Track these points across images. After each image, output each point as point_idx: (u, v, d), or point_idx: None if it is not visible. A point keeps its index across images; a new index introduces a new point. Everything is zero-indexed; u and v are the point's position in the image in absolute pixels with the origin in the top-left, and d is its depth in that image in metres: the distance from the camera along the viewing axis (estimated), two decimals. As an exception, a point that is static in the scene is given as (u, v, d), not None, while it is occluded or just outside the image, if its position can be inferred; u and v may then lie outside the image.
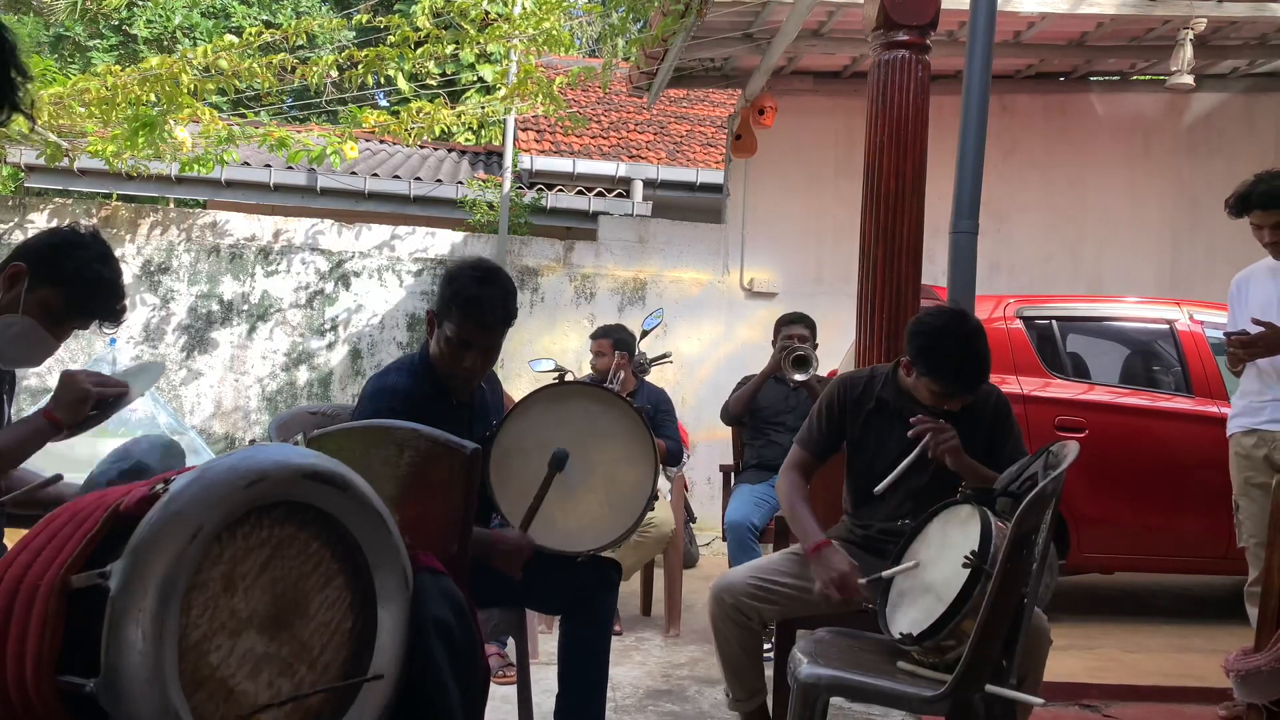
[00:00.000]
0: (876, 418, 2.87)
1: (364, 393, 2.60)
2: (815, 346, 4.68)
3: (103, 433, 5.63)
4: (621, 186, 8.93)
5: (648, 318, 5.23)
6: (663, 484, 4.59)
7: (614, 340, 4.77)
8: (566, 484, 2.63)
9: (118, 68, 6.81)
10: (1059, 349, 4.90)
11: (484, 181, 8.55)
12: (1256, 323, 3.32)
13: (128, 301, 2.30)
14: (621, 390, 4.43)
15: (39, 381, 6.81)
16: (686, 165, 9.27)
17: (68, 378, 2.09)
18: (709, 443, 6.80)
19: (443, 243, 7.68)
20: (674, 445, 4.64)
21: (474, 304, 2.49)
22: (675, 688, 3.72)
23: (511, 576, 2.49)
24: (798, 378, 4.42)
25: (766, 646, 2.95)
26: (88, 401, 2.08)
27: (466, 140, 10.86)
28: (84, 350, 6.79)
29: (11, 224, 7.27)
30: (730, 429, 5.01)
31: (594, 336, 4.94)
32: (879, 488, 2.68)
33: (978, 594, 2.15)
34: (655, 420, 4.68)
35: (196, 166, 6.97)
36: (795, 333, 4.55)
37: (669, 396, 4.99)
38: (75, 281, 2.13)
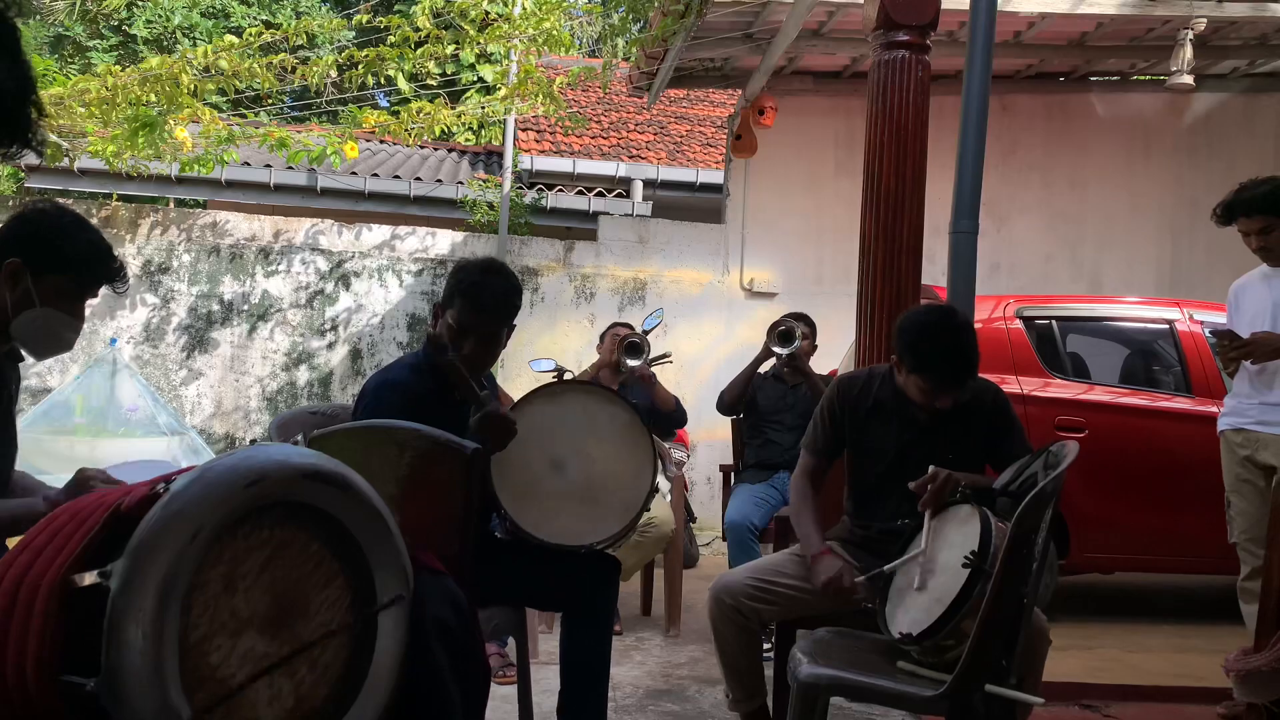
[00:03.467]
0: (875, 418, 2.87)
1: (365, 388, 2.61)
2: (815, 347, 4.71)
3: (102, 432, 5.64)
4: (621, 186, 8.93)
5: (648, 318, 5.24)
6: (663, 483, 4.63)
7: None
8: (567, 480, 2.63)
9: (118, 68, 6.81)
10: (1059, 349, 4.91)
11: (484, 181, 8.55)
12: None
13: (128, 300, 2.32)
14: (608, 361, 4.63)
15: (39, 381, 6.81)
16: (686, 165, 9.27)
17: (81, 476, 2.11)
18: (709, 443, 6.80)
19: (443, 243, 7.68)
20: (679, 411, 4.82)
21: (474, 289, 2.53)
22: (675, 688, 3.72)
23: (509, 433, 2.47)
24: (779, 350, 4.50)
25: (766, 646, 2.95)
26: None
27: (466, 140, 10.86)
28: (84, 350, 6.79)
29: (11, 224, 7.27)
30: (730, 428, 5.02)
31: (620, 325, 5.03)
32: (890, 566, 2.50)
33: (977, 594, 2.15)
34: (655, 415, 4.76)
35: (196, 166, 6.96)
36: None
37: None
38: (73, 258, 2.16)
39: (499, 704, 2.91)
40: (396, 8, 12.93)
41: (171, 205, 9.31)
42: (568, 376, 4.88)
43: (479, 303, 2.54)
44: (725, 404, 4.77)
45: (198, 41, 11.82)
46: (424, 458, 2.17)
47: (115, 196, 8.05)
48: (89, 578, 1.35)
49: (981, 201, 3.61)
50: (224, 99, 8.83)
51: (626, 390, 4.75)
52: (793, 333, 4.50)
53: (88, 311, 2.29)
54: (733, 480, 4.83)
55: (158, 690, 1.30)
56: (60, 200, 7.51)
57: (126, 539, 1.35)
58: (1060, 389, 4.74)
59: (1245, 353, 3.37)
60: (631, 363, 4.59)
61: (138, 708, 1.29)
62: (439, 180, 8.64)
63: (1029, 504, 2.09)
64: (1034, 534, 2.19)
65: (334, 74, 6.88)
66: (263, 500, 1.45)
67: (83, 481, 2.10)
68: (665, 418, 4.76)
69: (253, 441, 7.10)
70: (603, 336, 5.01)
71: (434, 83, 7.64)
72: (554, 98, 7.21)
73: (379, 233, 7.67)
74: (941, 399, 2.70)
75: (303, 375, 7.49)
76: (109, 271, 2.22)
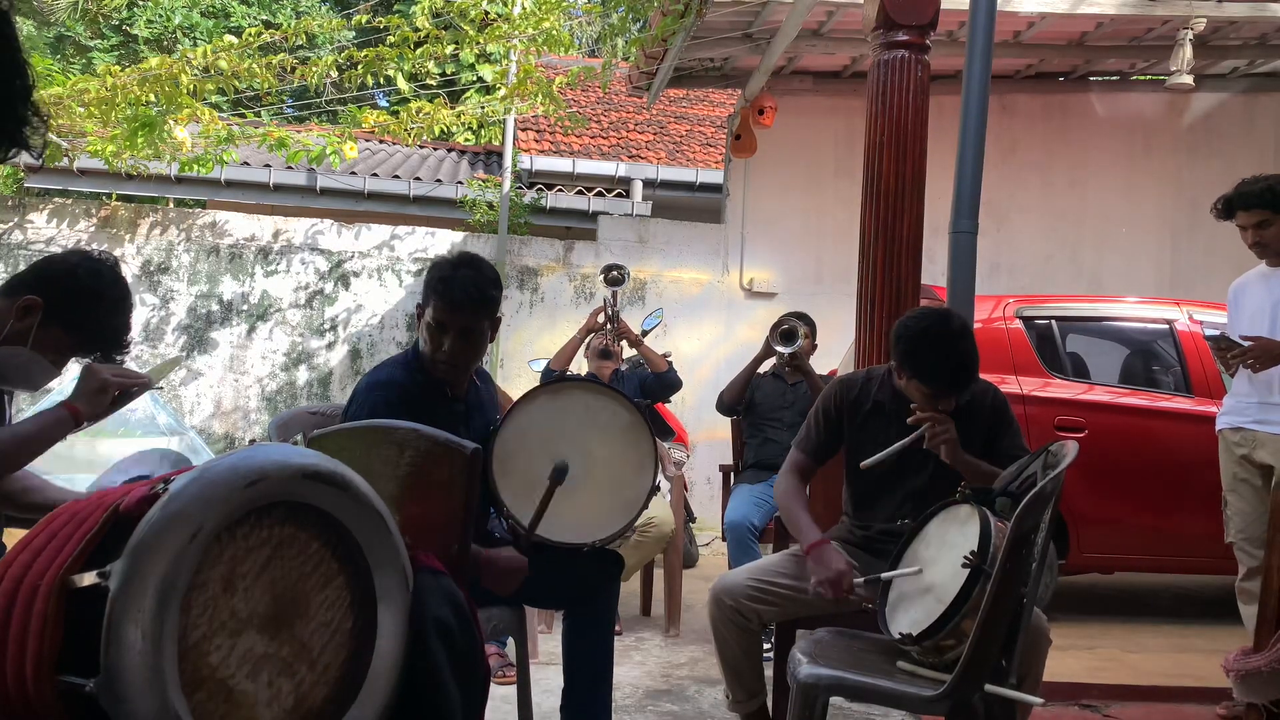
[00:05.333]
0: (874, 419, 2.87)
1: (358, 387, 2.60)
2: (815, 347, 4.71)
3: (100, 433, 5.63)
4: (621, 186, 8.93)
5: (647, 318, 5.26)
6: (663, 483, 4.64)
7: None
8: (568, 478, 2.63)
9: (117, 68, 6.81)
10: (1059, 349, 4.91)
11: (484, 181, 8.55)
12: (1245, 338, 3.38)
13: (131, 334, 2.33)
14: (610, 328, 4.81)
15: (39, 381, 6.81)
16: (686, 165, 9.27)
17: (89, 370, 2.12)
18: (709, 443, 6.80)
19: (443, 243, 7.68)
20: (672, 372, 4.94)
21: (445, 284, 2.50)
22: (675, 688, 3.72)
23: (502, 594, 2.49)
24: (781, 349, 4.53)
25: (766, 646, 2.95)
26: (108, 392, 2.11)
27: (466, 140, 10.85)
28: (84, 350, 6.78)
29: (11, 224, 7.27)
30: (729, 428, 5.02)
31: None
32: (866, 462, 2.69)
33: (977, 594, 2.15)
34: (649, 383, 4.94)
35: (196, 166, 6.96)
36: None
37: None
38: (89, 330, 2.19)
39: (499, 704, 2.91)
40: (396, 8, 12.92)
41: (171, 205, 9.31)
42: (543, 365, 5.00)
43: (450, 297, 2.50)
44: (725, 404, 4.78)
45: (198, 41, 11.82)
46: (424, 458, 2.16)
47: (115, 196, 8.04)
48: (88, 578, 1.35)
49: (981, 201, 3.61)
50: (224, 99, 8.82)
51: (620, 383, 4.80)
52: (795, 332, 4.51)
53: None
54: (732, 480, 4.83)
55: (157, 690, 1.29)
56: (60, 200, 7.51)
57: (126, 539, 1.34)
58: (1060, 389, 4.73)
59: (1245, 360, 3.35)
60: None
61: (137, 708, 1.29)
62: (439, 180, 8.64)
63: (1028, 504, 2.09)
64: (1034, 534, 2.19)
65: (334, 74, 6.88)
66: (262, 500, 1.45)
67: (90, 374, 2.11)
68: (661, 381, 4.89)
69: (252, 441, 7.11)
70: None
71: (434, 83, 7.65)
72: (554, 98, 7.21)
73: (378, 233, 7.67)
74: (943, 403, 2.71)
75: (302, 375, 7.49)
76: (113, 349, 2.25)
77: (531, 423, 2.62)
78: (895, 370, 2.79)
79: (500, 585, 2.45)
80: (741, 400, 4.72)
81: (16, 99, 1.10)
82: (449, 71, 10.33)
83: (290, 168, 7.86)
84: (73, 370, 2.22)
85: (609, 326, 4.93)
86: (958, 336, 2.68)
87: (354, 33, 8.68)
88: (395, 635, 1.62)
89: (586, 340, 4.96)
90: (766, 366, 4.80)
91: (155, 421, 5.73)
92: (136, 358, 7.09)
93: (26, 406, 6.00)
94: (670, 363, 4.95)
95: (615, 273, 5.04)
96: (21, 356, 2.13)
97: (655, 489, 2.70)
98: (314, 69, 6.82)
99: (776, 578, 2.77)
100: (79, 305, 2.16)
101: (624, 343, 5.00)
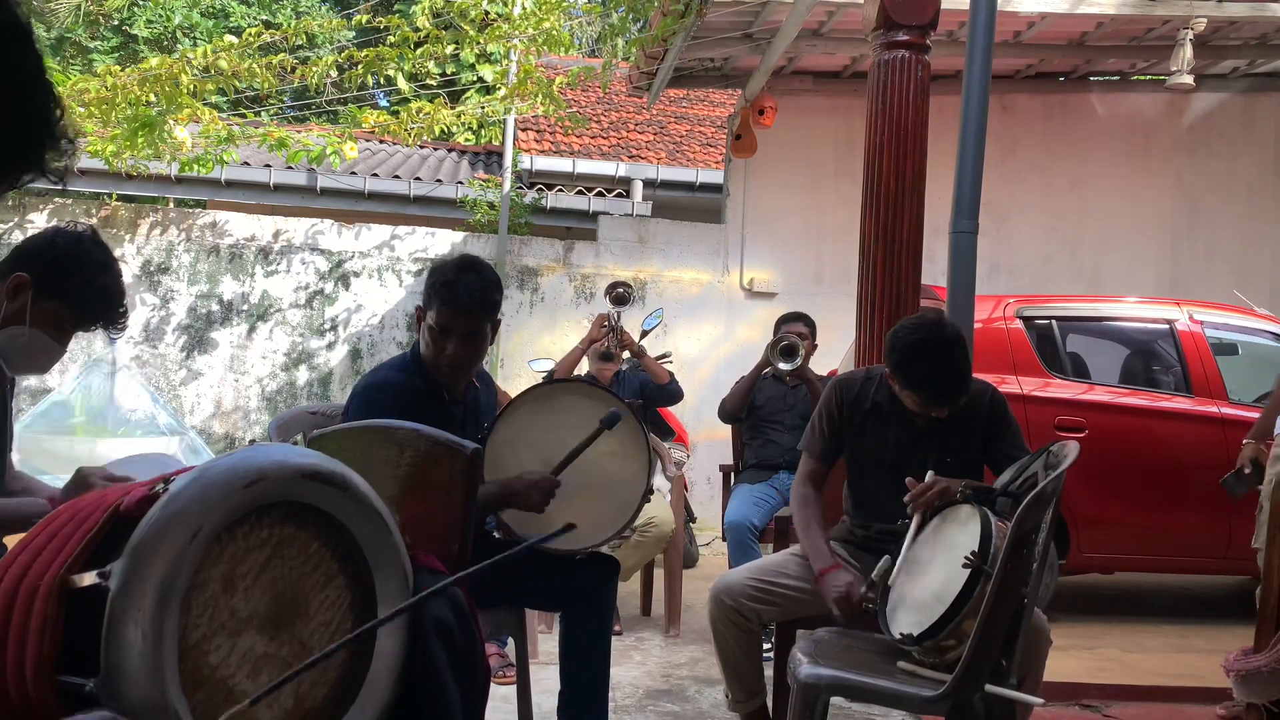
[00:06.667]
0: (872, 420, 2.87)
1: (355, 390, 2.60)
2: (815, 347, 4.71)
3: (102, 432, 5.64)
4: (621, 186, 8.93)
5: (647, 317, 5.25)
6: (663, 483, 4.64)
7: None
8: (561, 484, 2.62)
9: (117, 68, 6.81)
10: (1059, 349, 4.91)
11: (484, 181, 8.55)
12: None
13: (128, 303, 2.31)
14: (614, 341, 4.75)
15: (39, 381, 6.81)
16: (686, 165, 9.27)
17: (81, 477, 2.10)
18: (709, 443, 6.80)
19: (443, 243, 7.68)
20: (673, 384, 4.91)
21: (449, 288, 2.50)
22: (675, 688, 3.72)
23: (536, 511, 2.51)
24: (783, 366, 4.51)
25: (766, 646, 2.95)
26: None
27: (466, 140, 10.85)
28: (84, 350, 6.79)
29: (11, 224, 7.27)
30: (730, 428, 5.02)
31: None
32: (888, 576, 2.47)
33: (978, 594, 2.15)
34: (649, 389, 4.89)
35: (196, 166, 6.97)
36: (792, 329, 4.60)
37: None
38: (81, 295, 2.17)
39: (499, 704, 2.91)
40: (396, 8, 12.92)
41: (171, 205, 9.31)
42: (549, 365, 4.97)
43: (455, 301, 2.50)
44: (726, 413, 4.78)
45: (198, 41, 11.82)
46: (424, 458, 2.17)
47: (115, 196, 8.04)
48: (88, 578, 1.35)
49: (981, 201, 3.61)
50: (224, 99, 8.82)
51: (621, 384, 4.79)
52: (795, 348, 4.49)
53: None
54: (732, 480, 4.83)
55: (157, 690, 1.29)
56: (60, 200, 7.51)
57: (126, 539, 1.34)
58: (1060, 389, 4.73)
59: None
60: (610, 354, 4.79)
61: (137, 708, 1.29)
62: (439, 180, 8.64)
63: (1029, 504, 2.09)
64: (1034, 534, 2.19)
65: (334, 74, 6.88)
66: (262, 500, 1.45)
67: (82, 480, 2.09)
68: (662, 392, 4.87)
69: (252, 441, 7.11)
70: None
71: (434, 83, 7.65)
72: (554, 98, 7.21)
73: (379, 233, 7.67)
74: (937, 410, 2.71)
75: (302, 375, 7.49)
76: (110, 317, 2.24)
77: (522, 426, 2.61)
78: (889, 377, 2.79)
79: (529, 501, 2.50)
80: (743, 409, 4.72)
81: (30, 126, 1.06)
82: (449, 71, 10.32)
83: (290, 168, 7.86)
84: (72, 371, 2.21)
85: (611, 335, 4.88)
86: (950, 348, 2.65)
87: (354, 33, 8.68)
88: (395, 635, 1.62)
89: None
90: (767, 369, 4.80)
91: (155, 421, 5.74)
92: (137, 357, 7.10)
93: (27, 407, 6.01)
94: (673, 375, 4.92)
95: (620, 290, 4.98)
96: (23, 336, 2.12)
97: (648, 495, 2.68)
98: (314, 69, 6.82)
99: (777, 578, 2.77)
100: (66, 272, 2.15)
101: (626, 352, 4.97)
